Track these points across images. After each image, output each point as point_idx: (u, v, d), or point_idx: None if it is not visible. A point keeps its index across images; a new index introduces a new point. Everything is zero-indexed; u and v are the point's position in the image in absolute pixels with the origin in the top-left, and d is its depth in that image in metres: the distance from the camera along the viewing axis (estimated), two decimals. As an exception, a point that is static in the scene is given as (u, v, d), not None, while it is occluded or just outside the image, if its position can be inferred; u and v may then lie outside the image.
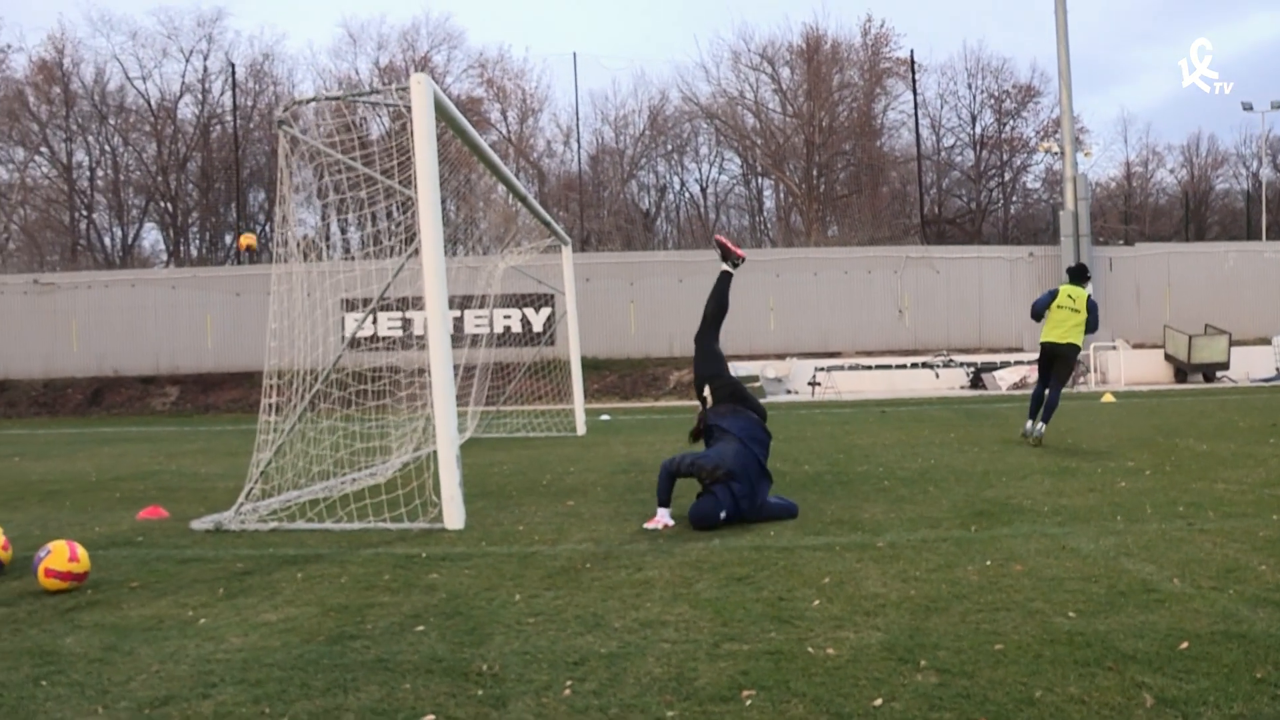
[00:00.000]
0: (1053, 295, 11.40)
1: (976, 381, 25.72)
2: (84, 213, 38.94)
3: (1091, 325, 11.14)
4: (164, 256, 39.44)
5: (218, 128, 39.02)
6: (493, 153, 9.53)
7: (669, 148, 42.26)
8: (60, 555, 5.14)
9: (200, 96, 39.12)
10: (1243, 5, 67.97)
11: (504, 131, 40.08)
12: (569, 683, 3.51)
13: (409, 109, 7.11)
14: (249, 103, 38.77)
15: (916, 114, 38.01)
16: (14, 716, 3.32)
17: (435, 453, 7.13)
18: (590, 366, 23.21)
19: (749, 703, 3.27)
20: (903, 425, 14.73)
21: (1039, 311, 11.46)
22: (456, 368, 9.89)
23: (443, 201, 7.56)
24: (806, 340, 28.13)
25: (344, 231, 15.20)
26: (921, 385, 25.89)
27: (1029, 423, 11.38)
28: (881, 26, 40.14)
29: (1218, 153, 45.68)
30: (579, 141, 38.57)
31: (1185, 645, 3.68)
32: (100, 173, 38.91)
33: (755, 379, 24.99)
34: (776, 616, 4.29)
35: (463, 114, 8.33)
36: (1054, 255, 28.66)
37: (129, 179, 39.08)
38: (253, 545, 6.41)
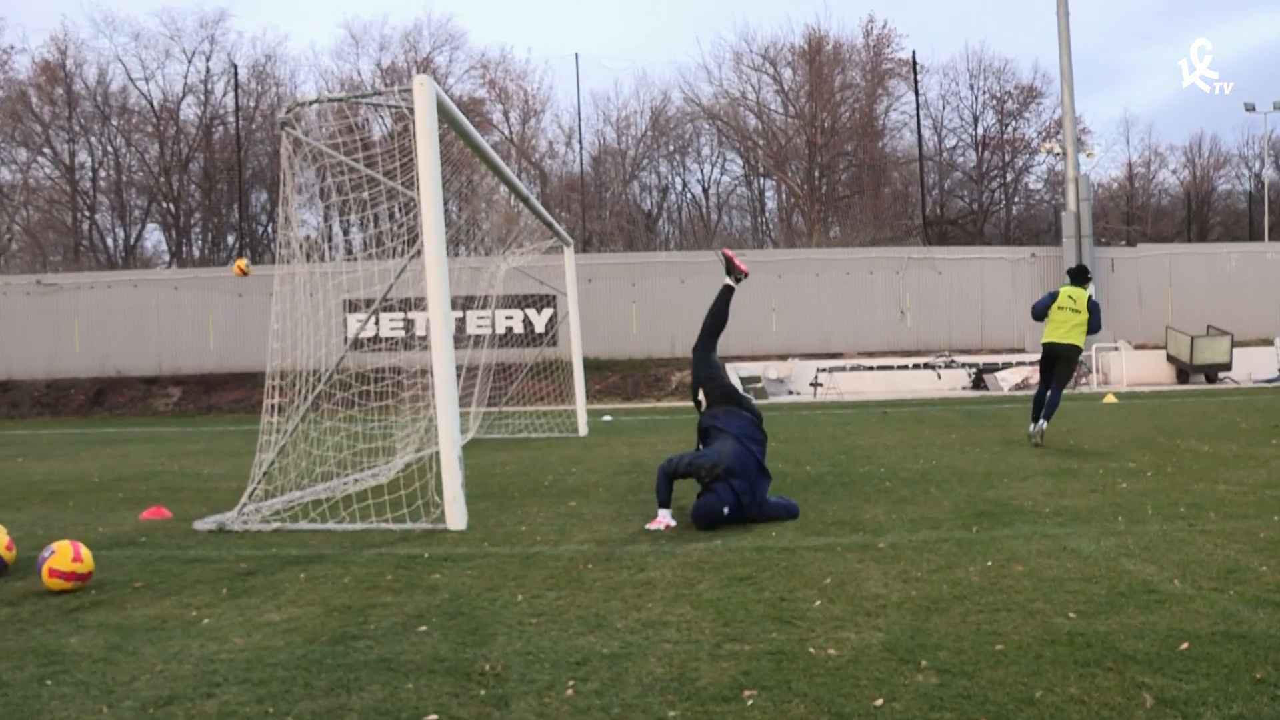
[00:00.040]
0: (1053, 297, 11.43)
1: (978, 382, 25.71)
2: (87, 213, 39.02)
3: (1094, 326, 11.15)
4: (166, 257, 39.51)
5: (220, 129, 39.09)
6: (495, 154, 9.55)
7: (671, 148, 42.32)
8: (64, 555, 5.16)
9: (203, 97, 39.23)
10: (1245, 5, 68.00)
11: (506, 132, 40.13)
12: (571, 683, 3.52)
13: (411, 110, 7.13)
14: (251, 104, 38.86)
15: (919, 115, 38.08)
16: (19, 715, 3.34)
17: (437, 453, 7.15)
18: (592, 367, 23.23)
19: (750, 703, 3.28)
20: (904, 426, 14.74)
21: (1039, 313, 11.49)
22: (459, 368, 9.90)
23: (445, 202, 7.57)
24: (808, 341, 28.13)
25: (346, 233, 15.21)
26: (923, 386, 25.88)
27: (1033, 425, 11.41)
28: (884, 27, 40.27)
29: (1220, 153, 45.73)
30: (581, 142, 38.65)
31: (1185, 646, 3.69)
32: (103, 173, 39.02)
33: (757, 380, 25.00)
34: (778, 617, 4.30)
35: (465, 115, 8.34)
36: (1056, 256, 28.66)
37: (131, 180, 39.16)
38: (256, 546, 6.42)
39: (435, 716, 3.23)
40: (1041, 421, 11.09)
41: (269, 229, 38.16)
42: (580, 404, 15.65)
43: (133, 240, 39.55)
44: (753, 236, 41.90)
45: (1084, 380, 24.87)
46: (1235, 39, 64.43)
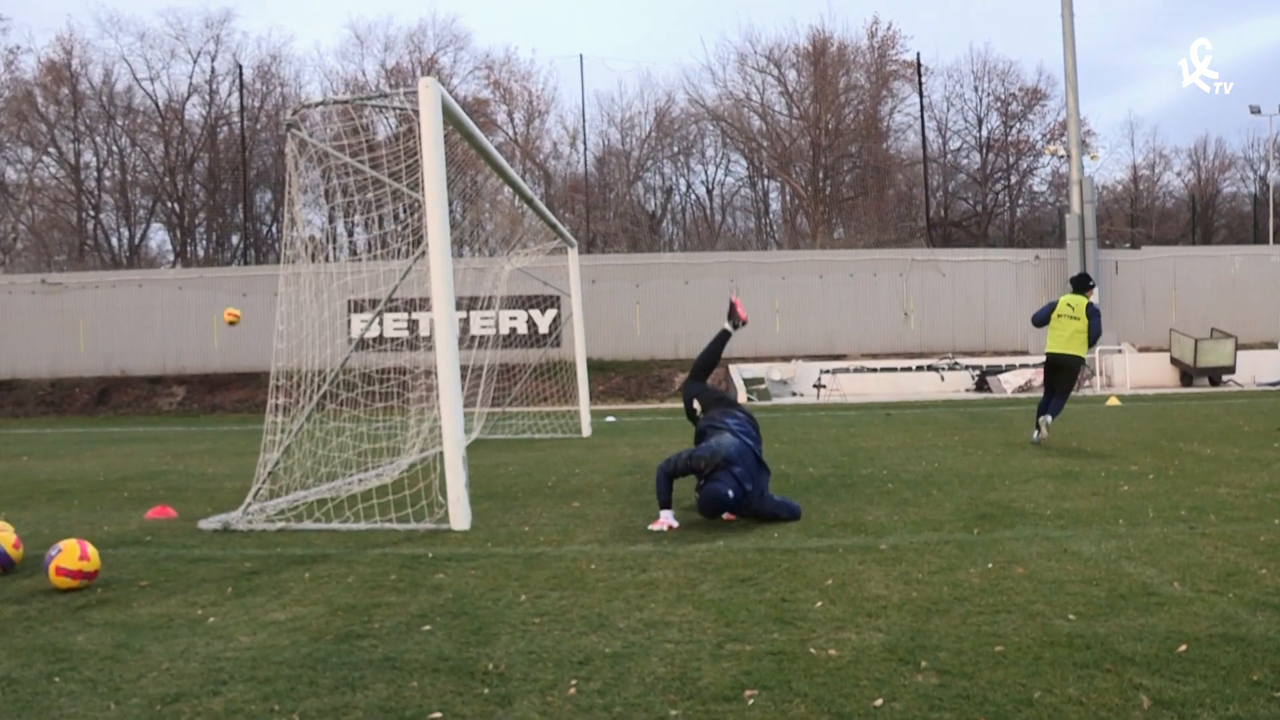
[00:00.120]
0: (1053, 306, 11.51)
1: (982, 384, 25.71)
2: (91, 213, 39.10)
3: (1093, 331, 11.13)
4: (171, 257, 39.59)
5: (225, 129, 39.16)
6: (499, 155, 9.58)
7: (675, 150, 42.32)
8: (71, 554, 5.19)
9: (208, 97, 39.29)
10: (1250, 7, 67.89)
11: (510, 133, 40.16)
12: (574, 682, 3.55)
13: (417, 113, 7.16)
14: (256, 104, 38.93)
15: (923, 117, 38.08)
16: (28, 712, 3.37)
17: (441, 454, 7.18)
18: (596, 368, 23.25)
19: (751, 702, 3.31)
20: (907, 428, 14.75)
21: (1039, 322, 11.65)
22: (463, 369, 9.94)
23: (449, 203, 7.61)
24: (812, 343, 28.14)
25: (351, 233, 15.29)
26: (926, 388, 25.88)
27: (1035, 433, 11.49)
28: (888, 29, 40.12)
29: (1225, 156, 45.61)
30: (585, 143, 38.72)
31: (1184, 648, 3.72)
32: (108, 173, 39.10)
33: (761, 381, 25.03)
34: (779, 618, 4.33)
35: (469, 115, 8.38)
36: (1060, 258, 28.66)
37: (136, 179, 39.24)
38: (260, 545, 6.46)
39: (439, 715, 3.26)
40: (1047, 416, 11.21)
41: (273, 229, 38.24)
42: (584, 405, 15.68)
43: (137, 240, 39.69)
44: (757, 238, 41.93)
45: (1087, 383, 24.86)
46: (1240, 41, 64.41)
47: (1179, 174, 46.46)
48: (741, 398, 23.83)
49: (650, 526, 6.64)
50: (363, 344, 8.44)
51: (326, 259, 9.05)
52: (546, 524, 6.99)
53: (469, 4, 61.53)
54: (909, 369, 26.62)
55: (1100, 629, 4.02)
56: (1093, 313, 11.18)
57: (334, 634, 4.24)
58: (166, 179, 38.52)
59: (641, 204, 41.98)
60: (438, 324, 7.13)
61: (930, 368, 26.59)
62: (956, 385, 26.02)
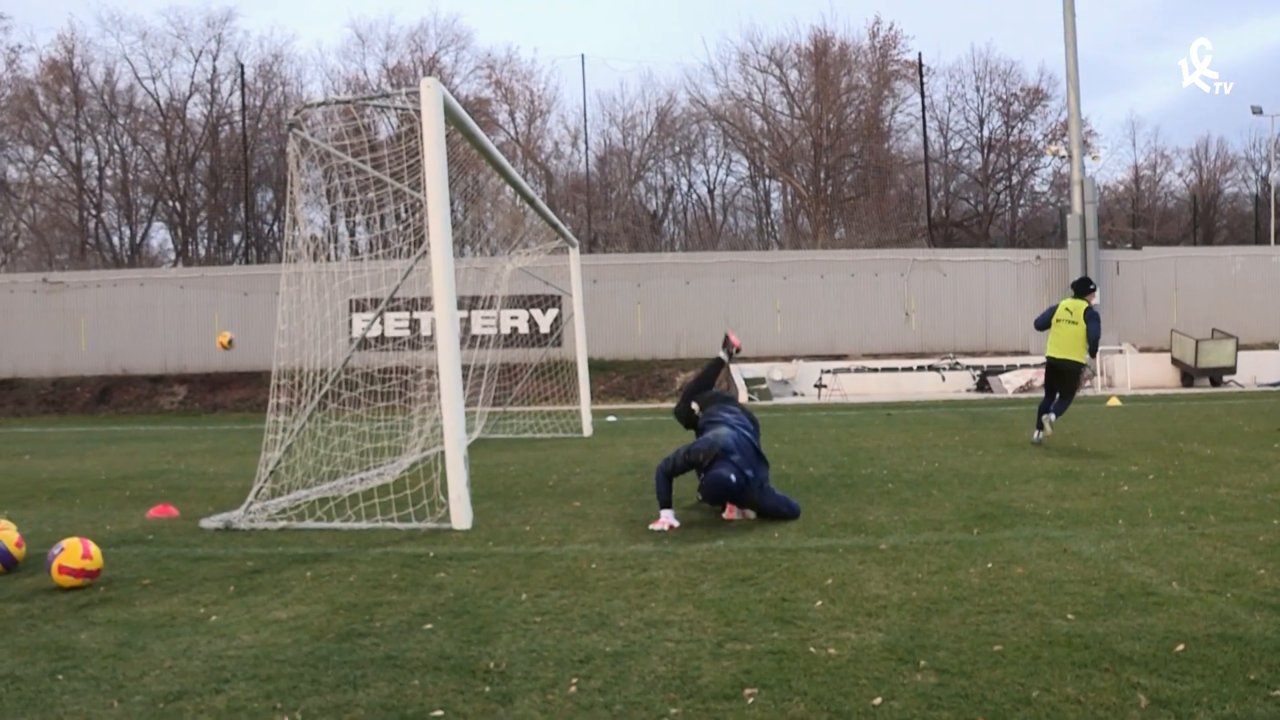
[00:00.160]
0: (1054, 310, 11.58)
1: (983, 384, 25.71)
2: (93, 212, 39.11)
3: (1091, 335, 11.10)
4: (172, 256, 39.60)
5: (226, 128, 39.16)
6: (501, 155, 9.60)
7: (676, 149, 42.27)
8: (74, 552, 5.22)
9: (209, 96, 39.26)
10: (1251, 8, 67.85)
11: (512, 132, 40.15)
12: (574, 680, 3.57)
13: (419, 113, 7.18)
14: (258, 103, 38.90)
15: (924, 117, 38.05)
16: (32, 709, 3.39)
17: (443, 453, 7.20)
18: (597, 368, 23.26)
19: (751, 701, 3.33)
20: (908, 428, 14.76)
21: (1041, 325, 11.77)
22: (464, 368, 9.96)
23: (451, 203, 7.62)
24: (813, 342, 28.14)
25: (353, 233, 15.28)
26: (927, 388, 25.88)
27: (1036, 432, 11.52)
28: (890, 29, 40.06)
29: (1226, 156, 45.51)
30: (586, 143, 38.69)
31: (1181, 647, 3.73)
32: (109, 172, 39.10)
33: (762, 381, 25.04)
34: (779, 617, 4.35)
35: (470, 115, 8.40)
36: (1061, 259, 28.65)
37: (138, 178, 39.24)
38: (262, 544, 6.48)
39: (441, 713, 3.28)
40: (1050, 415, 11.25)
41: (275, 228, 38.24)
42: (585, 404, 15.70)
43: (139, 239, 39.68)
44: (758, 238, 41.91)
45: (1088, 383, 24.86)
46: (1240, 41, 64.30)
47: (1180, 174, 46.44)
48: (743, 397, 23.84)
49: (651, 526, 6.66)
50: (364, 343, 8.46)
51: (328, 258, 9.07)
52: (547, 523, 7.01)
53: (470, 3, 61.59)
54: (910, 369, 26.62)
55: (1099, 628, 4.04)
56: (1090, 316, 11.18)
57: (336, 632, 4.26)
58: (168, 178, 38.53)
59: (643, 204, 41.97)
60: (439, 323, 7.15)
61: (931, 368, 26.59)
62: (957, 385, 26.02)
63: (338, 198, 8.60)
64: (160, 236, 41.18)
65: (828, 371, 26.07)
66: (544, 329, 26.06)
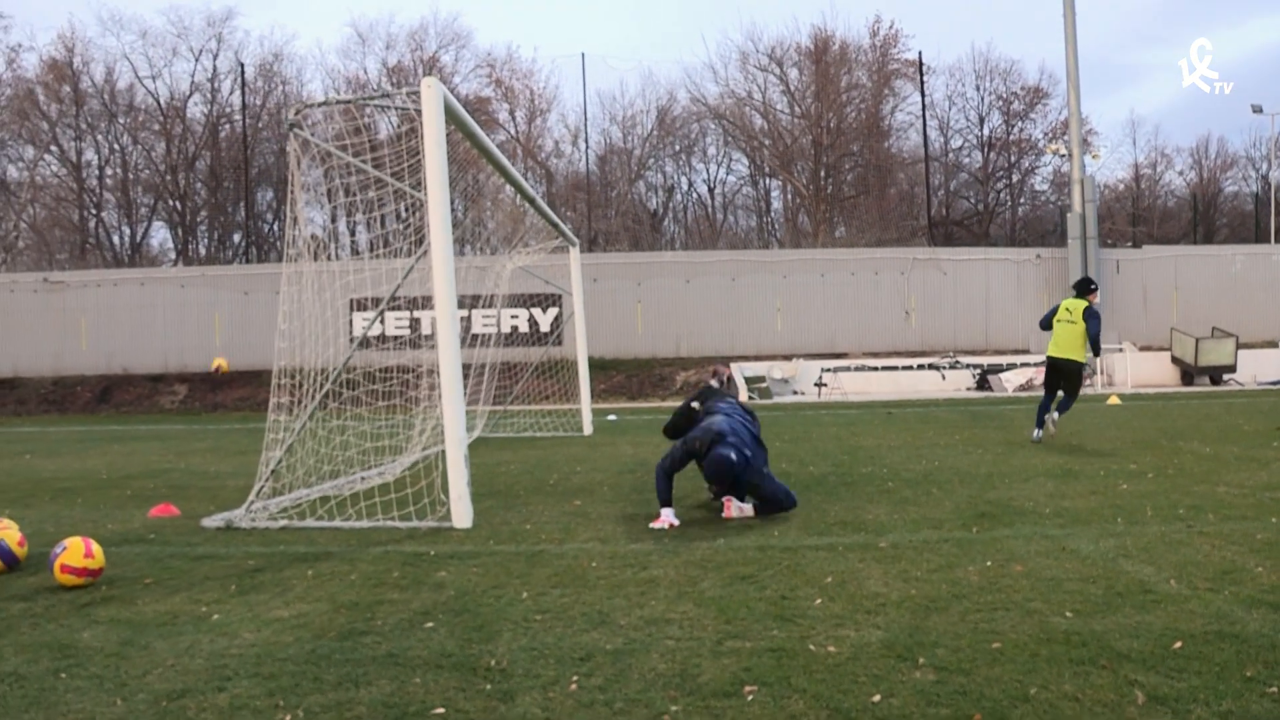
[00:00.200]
0: (1056, 310, 11.67)
1: (983, 383, 25.71)
2: (93, 211, 39.10)
3: (1090, 334, 11.12)
4: (172, 255, 39.61)
5: (226, 127, 39.16)
6: (501, 154, 9.61)
7: (677, 148, 42.24)
8: (76, 551, 5.23)
9: (209, 96, 39.25)
10: (1251, 7, 67.80)
11: (512, 131, 40.14)
12: (575, 678, 3.59)
13: (419, 112, 7.19)
14: (258, 102, 38.89)
15: (925, 115, 38.03)
16: (36, 707, 3.41)
17: (444, 452, 7.21)
18: (597, 366, 23.27)
19: (751, 698, 3.34)
20: (908, 427, 14.78)
21: (1044, 326, 11.88)
22: (465, 367, 9.98)
23: (451, 202, 7.64)
24: (813, 341, 28.15)
25: (353, 232, 15.31)
26: (928, 387, 25.89)
27: (1036, 431, 11.55)
28: (890, 28, 40.02)
29: (1227, 155, 45.47)
30: (587, 142, 38.67)
31: (1179, 645, 3.75)
32: (109, 171, 39.10)
33: (762, 380, 25.05)
34: (779, 615, 4.37)
35: (470, 114, 8.41)
36: (1061, 258, 28.65)
37: (138, 178, 39.24)
38: (263, 543, 6.50)
39: (442, 710, 3.30)
40: (1054, 413, 11.35)
41: (275, 227, 38.25)
42: (585, 403, 15.71)
43: (139, 238, 39.67)
44: (758, 236, 41.91)
45: (1088, 382, 24.86)
46: (1240, 41, 64.25)
47: (1181, 173, 46.42)
48: (743, 396, 23.86)
49: (651, 524, 6.68)
50: (365, 342, 8.47)
51: (329, 258, 9.08)
52: (548, 522, 7.03)
53: (470, 2, 61.62)
54: (910, 368, 26.63)
55: (1097, 626, 4.05)
56: (1089, 315, 11.21)
57: (337, 631, 4.28)
58: (168, 177, 38.53)
59: (643, 202, 41.94)
60: (440, 322, 7.16)
61: (931, 366, 26.59)
62: (957, 384, 26.03)
63: (338, 197, 8.61)
64: (160, 236, 41.21)
65: (828, 370, 26.08)
66: (544, 328, 26.08)
